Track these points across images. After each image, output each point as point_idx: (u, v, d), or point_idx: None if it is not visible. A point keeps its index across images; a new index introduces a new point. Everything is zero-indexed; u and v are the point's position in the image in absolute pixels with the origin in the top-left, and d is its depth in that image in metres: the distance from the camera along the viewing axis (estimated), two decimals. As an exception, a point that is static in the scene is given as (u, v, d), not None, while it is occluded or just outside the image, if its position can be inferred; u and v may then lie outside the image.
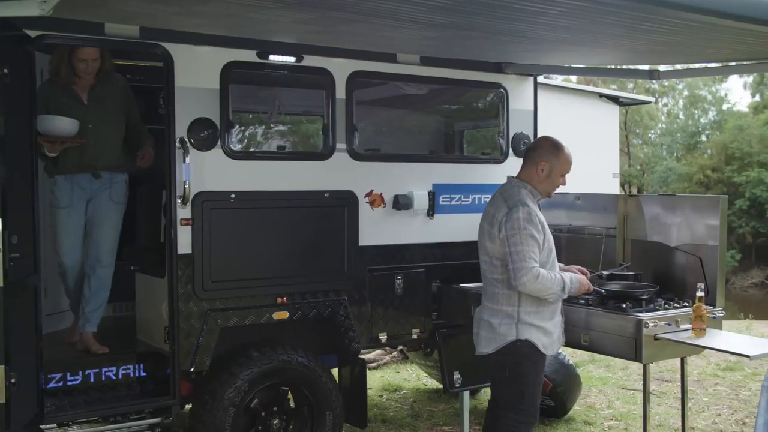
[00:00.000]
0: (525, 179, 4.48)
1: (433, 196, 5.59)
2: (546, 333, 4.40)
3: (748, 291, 30.57)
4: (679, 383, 4.91)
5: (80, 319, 5.15)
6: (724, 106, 44.11)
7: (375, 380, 8.11)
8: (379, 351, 8.91)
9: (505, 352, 4.38)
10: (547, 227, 4.39)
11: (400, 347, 8.14)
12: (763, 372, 4.14)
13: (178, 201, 4.68)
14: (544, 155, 4.46)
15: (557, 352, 4.53)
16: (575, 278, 4.42)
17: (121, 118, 5.25)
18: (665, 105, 46.98)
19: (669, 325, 4.43)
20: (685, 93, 45.59)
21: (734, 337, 4.60)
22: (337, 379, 5.51)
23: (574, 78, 24.95)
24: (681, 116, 46.00)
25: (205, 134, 4.77)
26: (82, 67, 5.01)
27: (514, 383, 4.42)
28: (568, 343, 4.95)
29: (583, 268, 4.68)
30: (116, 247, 5.22)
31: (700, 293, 4.32)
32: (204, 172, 4.76)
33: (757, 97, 41.94)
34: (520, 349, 4.35)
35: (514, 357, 4.37)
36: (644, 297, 4.65)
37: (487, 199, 5.73)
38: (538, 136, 6.12)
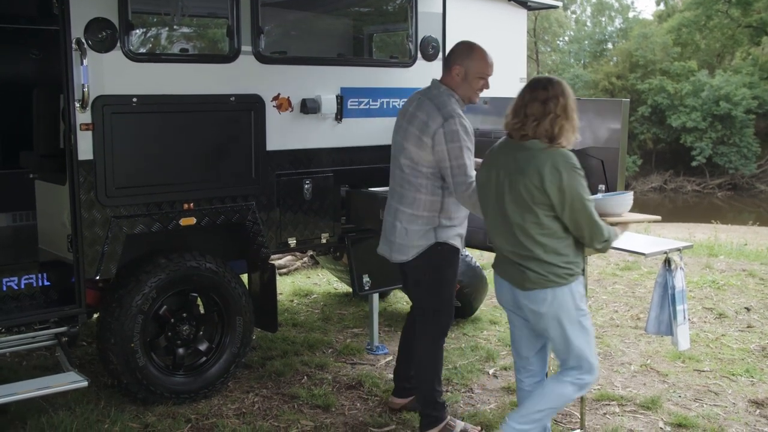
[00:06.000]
0: (447, 86, 4.41)
1: (341, 100, 5.53)
2: (460, 233, 4.50)
3: (647, 195, 31.77)
4: (580, 282, 5.08)
5: None
6: (630, 14, 44.79)
7: (286, 285, 8.17)
8: (289, 257, 8.96)
9: (425, 257, 4.42)
10: None
11: (310, 252, 8.19)
12: (657, 271, 4.34)
13: (77, 105, 4.50)
14: (458, 58, 4.39)
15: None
16: None
17: None
18: (573, 12, 47.37)
19: (571, 225, 4.55)
20: (593, 0, 45.98)
21: (632, 237, 4.76)
22: (247, 285, 5.52)
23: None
24: (588, 24, 46.51)
25: (103, 35, 4.56)
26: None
27: (434, 286, 4.50)
28: (475, 245, 5.06)
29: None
30: None
31: (600, 195, 4.43)
32: (104, 75, 4.57)
33: (662, 6, 42.66)
34: (440, 252, 4.42)
35: (435, 260, 4.43)
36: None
37: (396, 103, 5.76)
38: (446, 39, 6.11)
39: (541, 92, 3.73)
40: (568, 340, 3.84)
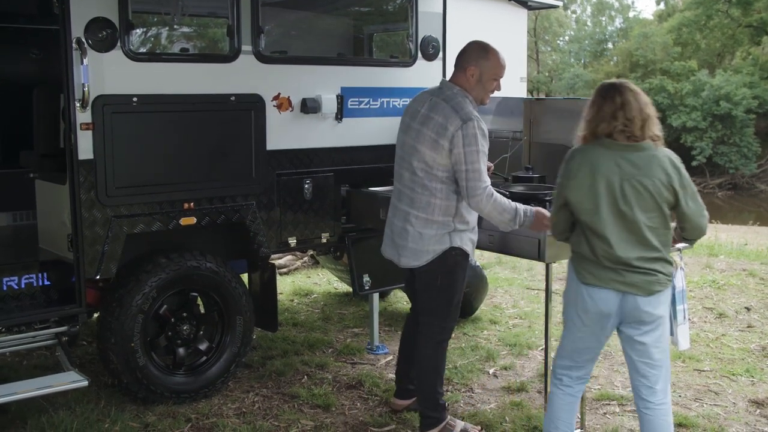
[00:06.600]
0: (461, 87, 4.33)
1: (341, 100, 5.53)
2: (472, 238, 4.46)
3: (647, 194, 31.67)
4: (580, 281, 5.07)
5: None
6: (630, 14, 44.79)
7: (286, 285, 8.17)
8: (289, 257, 8.96)
9: (438, 262, 4.36)
10: None
11: (311, 252, 8.19)
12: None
13: (77, 105, 4.50)
14: (472, 59, 4.33)
15: None
16: (531, 211, 4.26)
17: None
18: (573, 12, 47.38)
19: (571, 225, 4.54)
20: (593, 0, 45.98)
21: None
22: (247, 285, 5.52)
23: (484, -17, 24.89)
24: (588, 24, 46.52)
25: (103, 35, 4.56)
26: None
27: (445, 291, 4.45)
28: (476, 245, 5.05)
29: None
30: None
31: (600, 194, 4.41)
32: (104, 74, 4.57)
33: (662, 5, 42.65)
34: (454, 257, 4.36)
35: (448, 266, 4.38)
36: (548, 198, 4.74)
37: (396, 103, 5.75)
38: (446, 39, 6.11)
39: (630, 93, 3.69)
40: (669, 337, 3.88)
